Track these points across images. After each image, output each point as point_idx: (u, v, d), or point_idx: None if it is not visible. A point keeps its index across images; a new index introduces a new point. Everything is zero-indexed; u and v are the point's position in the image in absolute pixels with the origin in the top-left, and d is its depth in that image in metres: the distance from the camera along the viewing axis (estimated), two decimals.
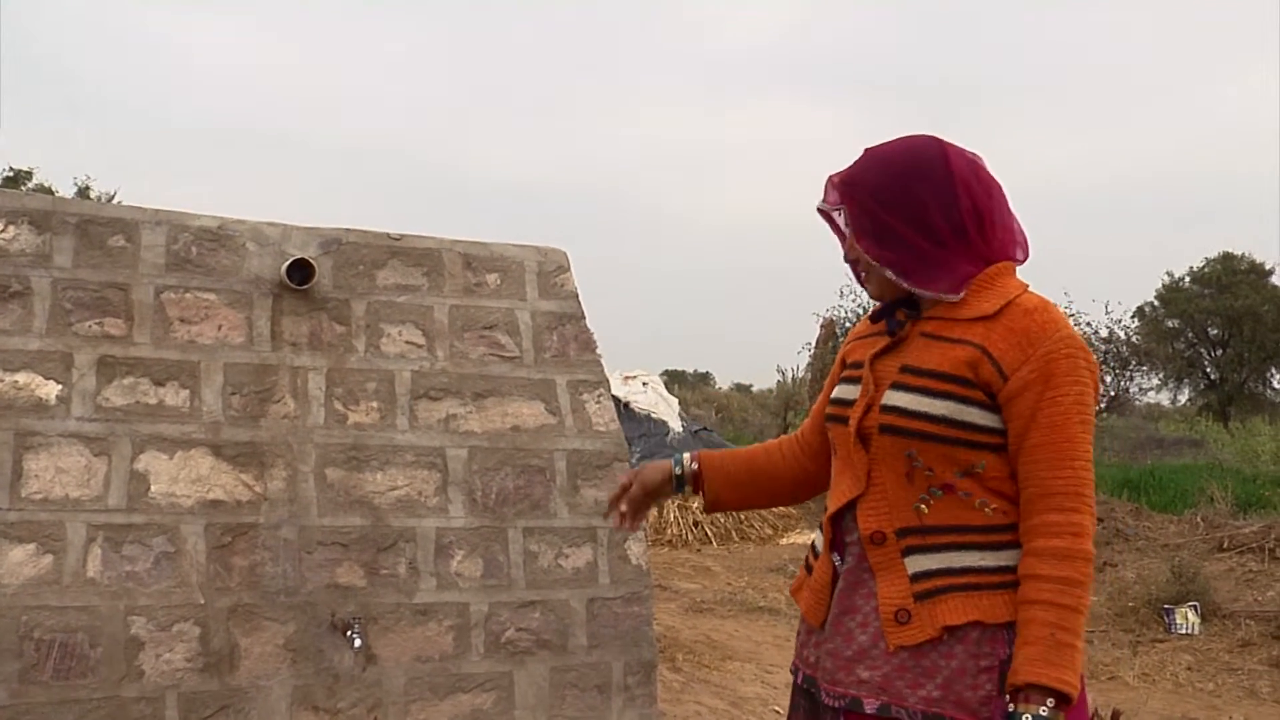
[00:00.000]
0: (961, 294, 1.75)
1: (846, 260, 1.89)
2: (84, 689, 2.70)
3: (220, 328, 3.06)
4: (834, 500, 1.85)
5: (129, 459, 2.87)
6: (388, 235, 3.34)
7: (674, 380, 32.90)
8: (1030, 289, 1.77)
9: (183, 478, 2.90)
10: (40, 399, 2.82)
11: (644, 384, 13.42)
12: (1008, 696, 1.61)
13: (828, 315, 15.20)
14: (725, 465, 2.09)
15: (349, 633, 2.90)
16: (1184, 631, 7.27)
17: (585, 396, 3.43)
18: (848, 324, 14.98)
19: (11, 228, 2.91)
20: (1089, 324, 13.03)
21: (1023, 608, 1.64)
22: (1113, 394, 13.19)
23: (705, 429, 13.73)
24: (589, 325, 3.53)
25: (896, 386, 1.75)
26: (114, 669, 2.74)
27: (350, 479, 3.07)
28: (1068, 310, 13.01)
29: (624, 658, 3.26)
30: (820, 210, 1.90)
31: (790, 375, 18.47)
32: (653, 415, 12.74)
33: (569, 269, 3.54)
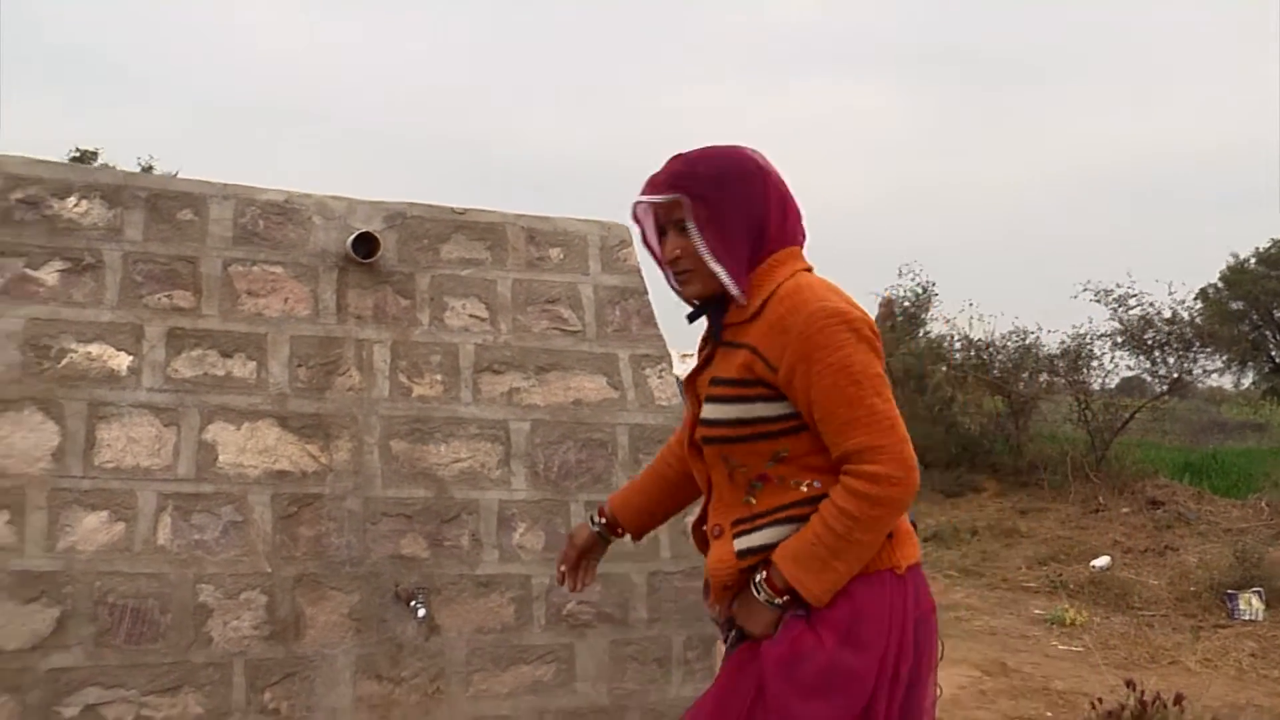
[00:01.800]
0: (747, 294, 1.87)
1: (665, 260, 1.94)
2: (154, 654, 2.76)
3: (286, 300, 3.08)
4: (701, 507, 2.03)
5: (197, 429, 2.91)
6: (451, 210, 3.34)
7: None
8: (801, 271, 1.87)
9: (250, 448, 2.94)
10: (112, 370, 2.87)
11: None
12: (763, 572, 1.83)
13: (887, 294, 14.98)
14: (630, 500, 2.27)
15: (412, 603, 2.92)
16: (1247, 618, 7.14)
17: (647, 371, 3.42)
18: (906, 303, 14.78)
19: (85, 202, 2.95)
20: (1151, 304, 12.64)
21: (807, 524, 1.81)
22: (1175, 376, 12.88)
23: None
24: (650, 300, 3.52)
25: (708, 399, 1.90)
26: (183, 635, 2.79)
27: (414, 451, 3.09)
28: (1129, 291, 12.67)
29: (684, 631, 3.27)
30: (636, 209, 1.93)
31: None
32: None
33: (631, 243, 3.53)
